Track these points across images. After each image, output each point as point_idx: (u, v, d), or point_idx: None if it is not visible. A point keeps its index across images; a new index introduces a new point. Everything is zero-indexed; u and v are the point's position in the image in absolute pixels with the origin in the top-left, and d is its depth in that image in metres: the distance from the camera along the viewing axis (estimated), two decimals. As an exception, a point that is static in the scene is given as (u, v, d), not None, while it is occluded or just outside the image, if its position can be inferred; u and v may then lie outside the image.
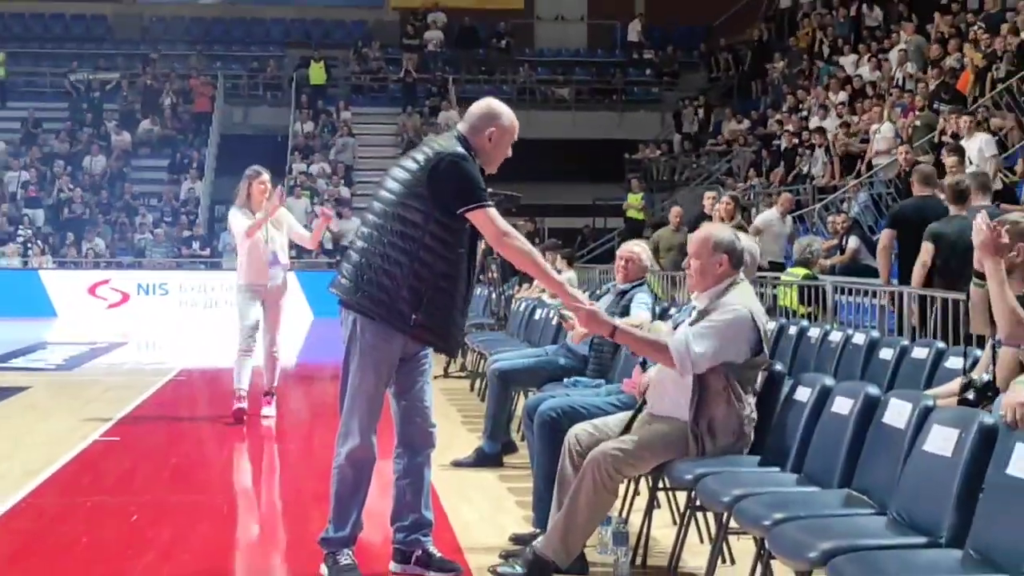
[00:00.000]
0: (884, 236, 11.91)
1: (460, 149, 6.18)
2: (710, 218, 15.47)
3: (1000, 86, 19.91)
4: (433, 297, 6.09)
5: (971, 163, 15.28)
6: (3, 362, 18.05)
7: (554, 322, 11.32)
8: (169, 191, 33.00)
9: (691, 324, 6.41)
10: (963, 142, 15.94)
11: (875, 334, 8.79)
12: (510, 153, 6.47)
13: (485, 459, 9.54)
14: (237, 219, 11.21)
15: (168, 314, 26.74)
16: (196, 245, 31.12)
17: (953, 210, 10.77)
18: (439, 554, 6.43)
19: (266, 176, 11.29)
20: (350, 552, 6.25)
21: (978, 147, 16.32)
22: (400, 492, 6.44)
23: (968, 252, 10.61)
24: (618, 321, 6.66)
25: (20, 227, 31.35)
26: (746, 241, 7.30)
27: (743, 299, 6.47)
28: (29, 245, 30.71)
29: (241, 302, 11.22)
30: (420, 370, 6.45)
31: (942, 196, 11.22)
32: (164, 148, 34.48)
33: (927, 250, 10.57)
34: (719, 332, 6.28)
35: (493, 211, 6.14)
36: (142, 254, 30.73)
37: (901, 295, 10.87)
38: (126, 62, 36.82)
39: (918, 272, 10.54)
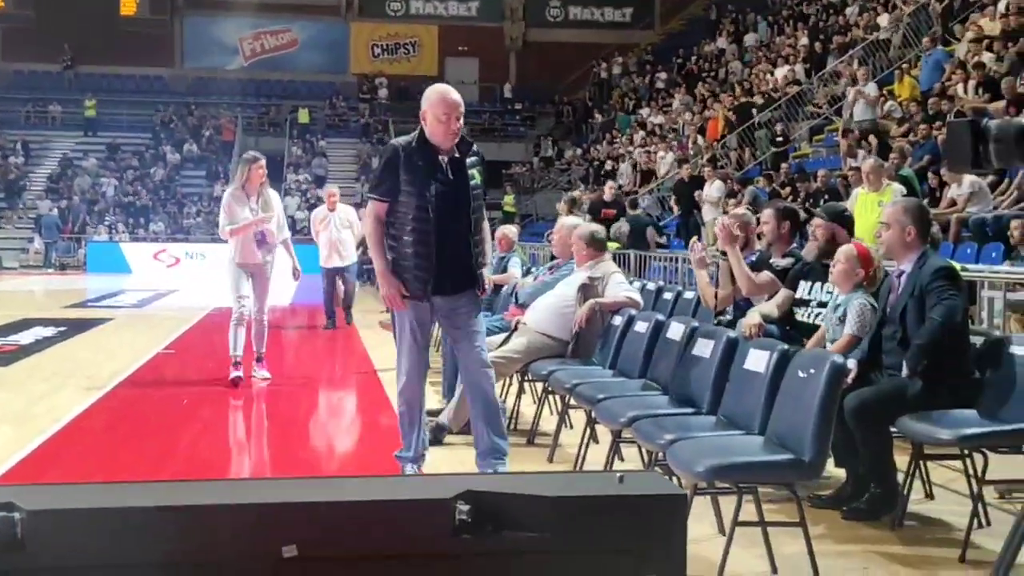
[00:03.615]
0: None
1: (401, 139, 5.15)
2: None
3: (739, 128, 20.27)
4: (394, 259, 4.97)
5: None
6: (96, 302, 17.78)
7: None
8: (206, 191, 32.60)
9: (583, 285, 6.46)
10: (707, 185, 16.45)
11: (660, 283, 8.89)
12: (455, 126, 4.95)
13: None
14: (227, 210, 8.34)
15: (205, 272, 26.32)
16: (224, 227, 30.90)
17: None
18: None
19: (263, 161, 8.52)
20: (416, 467, 5.19)
21: (714, 187, 16.50)
22: (475, 426, 5.18)
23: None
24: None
25: (107, 215, 30.93)
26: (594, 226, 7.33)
27: (610, 268, 6.62)
28: (112, 226, 30.30)
29: (233, 277, 8.39)
30: (464, 323, 5.07)
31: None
32: (202, 164, 34.01)
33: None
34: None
35: (371, 205, 5.03)
36: (188, 232, 30.29)
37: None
38: (177, 108, 36.19)
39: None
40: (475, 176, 5.04)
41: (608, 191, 16.42)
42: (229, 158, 33.72)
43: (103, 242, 29.12)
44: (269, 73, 38.29)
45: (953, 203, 11.05)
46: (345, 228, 12.36)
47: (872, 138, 14.65)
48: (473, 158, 5.07)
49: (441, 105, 4.96)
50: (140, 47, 36.08)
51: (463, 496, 2.12)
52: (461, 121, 4.99)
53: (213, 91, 37.50)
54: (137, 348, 10.79)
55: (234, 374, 8.33)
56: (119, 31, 35.94)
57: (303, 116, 35.44)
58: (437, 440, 6.15)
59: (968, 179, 10.69)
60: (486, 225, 5.23)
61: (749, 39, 26.65)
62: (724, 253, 6.19)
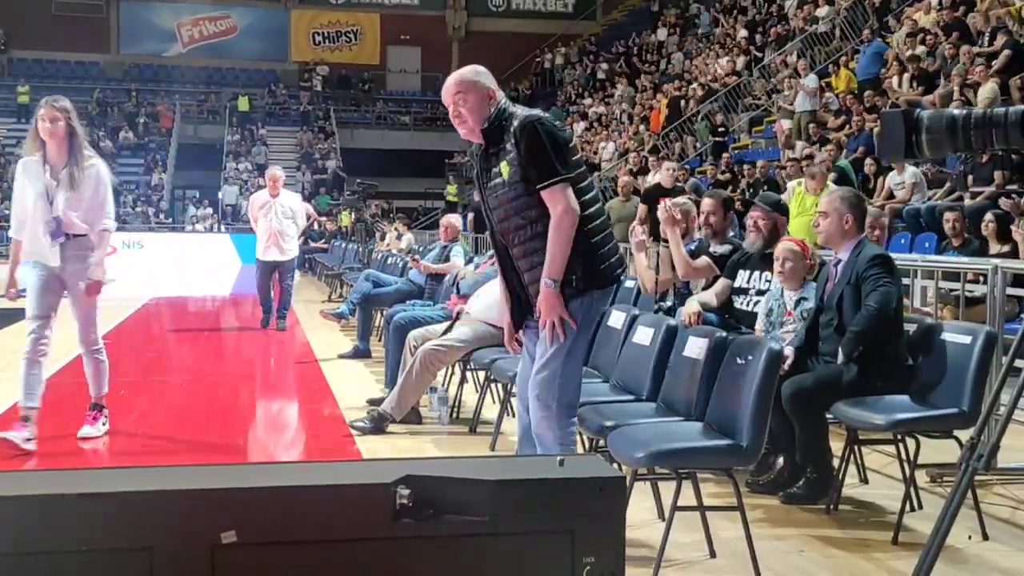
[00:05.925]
0: None
1: None
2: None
3: (681, 120, 20.40)
4: None
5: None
6: (30, 292, 17.42)
7: (400, 265, 11.28)
8: (143, 180, 32.12)
9: None
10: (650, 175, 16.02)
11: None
12: (454, 113, 3.95)
13: (358, 353, 9.46)
14: (14, 188, 5.96)
15: (143, 262, 25.98)
16: (161, 216, 30.47)
17: None
18: None
19: (54, 110, 5.57)
20: None
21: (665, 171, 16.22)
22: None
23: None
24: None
25: (41, 203, 30.50)
26: None
27: None
28: (47, 215, 29.88)
29: (27, 284, 6.03)
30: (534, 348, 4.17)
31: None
32: (139, 151, 33.51)
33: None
34: None
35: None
36: (125, 222, 29.85)
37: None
38: (113, 94, 35.60)
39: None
40: (501, 171, 3.86)
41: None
42: (167, 146, 33.35)
43: (37, 232, 28.63)
44: (208, 60, 37.84)
45: (890, 193, 11.25)
46: (287, 219, 11.18)
47: (812, 128, 14.85)
48: (508, 143, 3.85)
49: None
50: (75, 32, 35.49)
51: (403, 481, 2.13)
52: (467, 107, 3.90)
53: (150, 77, 36.97)
54: (72, 338, 10.58)
55: (13, 433, 5.67)
56: (53, 15, 35.33)
57: (243, 104, 35.04)
58: (379, 429, 6.15)
59: (911, 169, 10.89)
60: (559, 225, 3.78)
61: (690, 30, 26.86)
62: (666, 242, 6.25)
